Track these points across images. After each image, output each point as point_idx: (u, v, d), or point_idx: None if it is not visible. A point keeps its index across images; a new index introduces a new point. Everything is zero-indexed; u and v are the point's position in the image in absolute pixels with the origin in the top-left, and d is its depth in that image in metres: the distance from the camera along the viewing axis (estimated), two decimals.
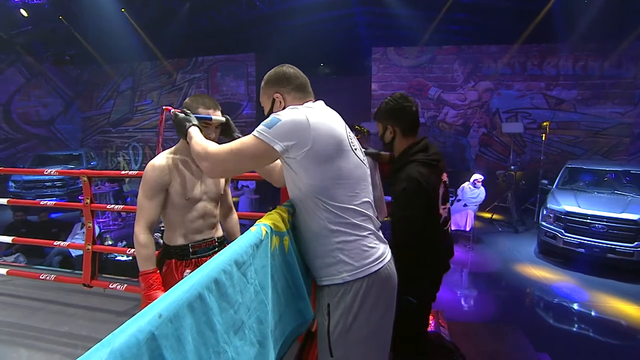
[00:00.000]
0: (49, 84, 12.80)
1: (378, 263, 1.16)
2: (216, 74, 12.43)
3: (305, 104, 1.21)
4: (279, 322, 0.98)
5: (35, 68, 12.18)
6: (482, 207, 6.96)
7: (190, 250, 1.52)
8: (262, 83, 1.29)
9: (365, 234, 1.16)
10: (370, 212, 1.21)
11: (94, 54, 11.76)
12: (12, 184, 9.03)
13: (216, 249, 1.60)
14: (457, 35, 10.32)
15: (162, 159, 1.49)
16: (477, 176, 6.25)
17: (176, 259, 1.52)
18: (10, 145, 11.86)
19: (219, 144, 1.25)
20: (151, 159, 1.47)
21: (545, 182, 6.58)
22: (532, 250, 5.86)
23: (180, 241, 1.52)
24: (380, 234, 1.25)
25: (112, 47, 11.08)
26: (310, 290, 1.28)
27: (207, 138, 1.50)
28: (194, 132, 1.30)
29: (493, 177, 8.39)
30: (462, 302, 4.33)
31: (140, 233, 1.41)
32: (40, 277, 2.61)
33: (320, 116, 1.14)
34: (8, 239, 2.92)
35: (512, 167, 7.79)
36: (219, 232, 1.66)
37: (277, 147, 1.07)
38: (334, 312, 1.14)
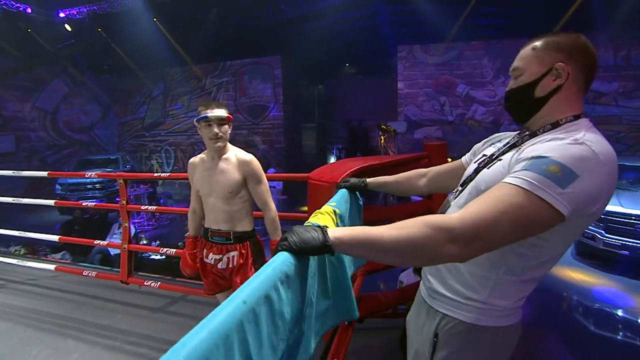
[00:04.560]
0: (89, 92, 13.66)
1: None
2: (243, 78, 12.72)
3: (577, 119, 0.83)
4: (324, 313, 1.01)
5: (77, 78, 13.06)
6: None
7: (209, 234, 1.77)
8: (541, 42, 0.89)
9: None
10: None
11: (129, 63, 12.43)
12: (59, 187, 9.69)
13: (231, 241, 1.72)
14: (486, 30, 9.97)
15: (194, 158, 1.80)
16: None
17: (203, 237, 1.83)
18: (57, 150, 12.74)
19: None
20: (182, 162, 1.59)
21: None
22: (569, 252, 5.57)
23: (205, 224, 1.80)
24: None
25: (145, 55, 11.66)
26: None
27: (214, 136, 1.61)
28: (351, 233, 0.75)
29: None
30: None
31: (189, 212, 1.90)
32: (83, 274, 2.81)
33: (613, 161, 0.74)
34: (55, 238, 3.15)
35: None
36: (239, 227, 1.73)
37: (565, 212, 0.70)
38: (442, 347, 0.93)
